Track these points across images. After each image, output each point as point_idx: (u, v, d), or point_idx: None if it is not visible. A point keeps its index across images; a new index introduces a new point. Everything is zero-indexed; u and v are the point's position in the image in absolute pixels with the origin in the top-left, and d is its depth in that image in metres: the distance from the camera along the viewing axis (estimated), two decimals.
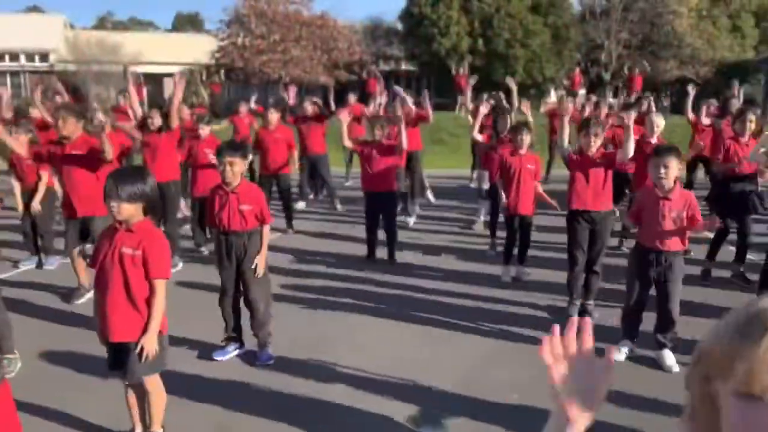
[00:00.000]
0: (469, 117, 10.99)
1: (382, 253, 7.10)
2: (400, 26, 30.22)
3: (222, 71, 18.93)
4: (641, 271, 4.36)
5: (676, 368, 4.23)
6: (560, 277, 5.66)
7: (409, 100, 9.52)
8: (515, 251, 6.35)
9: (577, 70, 23.37)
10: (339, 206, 9.79)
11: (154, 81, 33.93)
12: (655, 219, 4.24)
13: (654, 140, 6.17)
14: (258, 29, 23.89)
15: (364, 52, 27.16)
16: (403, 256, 7.17)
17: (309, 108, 9.48)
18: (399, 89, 11.79)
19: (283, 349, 4.65)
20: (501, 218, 6.81)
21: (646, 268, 4.31)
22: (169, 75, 32.87)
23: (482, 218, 8.51)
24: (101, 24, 49.26)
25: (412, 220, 8.90)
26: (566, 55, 26.91)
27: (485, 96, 10.40)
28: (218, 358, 4.52)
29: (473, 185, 11.23)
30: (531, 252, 6.51)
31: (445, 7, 26.03)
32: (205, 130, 7.34)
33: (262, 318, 4.48)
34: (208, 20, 60.06)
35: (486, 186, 7.83)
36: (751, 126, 5.98)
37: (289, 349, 4.68)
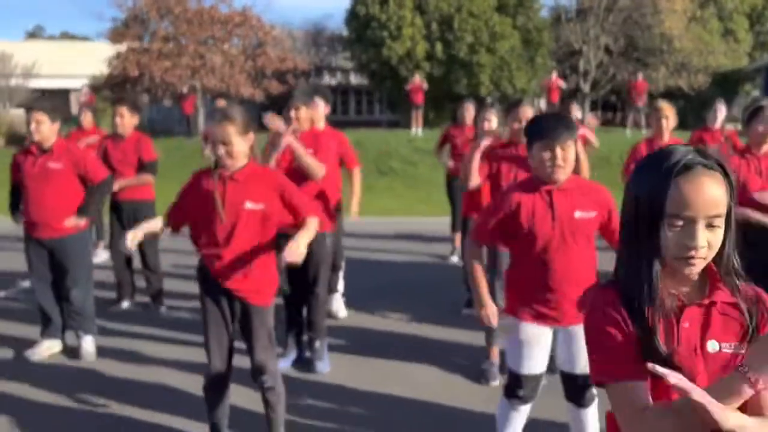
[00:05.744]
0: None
1: None
2: (345, 32, 25.98)
3: (85, 84, 14.14)
4: None
5: None
6: None
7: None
8: None
9: (554, 76, 19.09)
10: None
11: (59, 96, 28.95)
12: None
13: None
14: (163, 29, 19.09)
15: (301, 60, 22.62)
16: None
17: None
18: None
19: None
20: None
21: None
22: (73, 90, 28.03)
23: (496, 364, 3.81)
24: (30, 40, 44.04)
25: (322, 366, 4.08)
26: (539, 63, 22.98)
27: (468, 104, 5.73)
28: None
29: (455, 258, 6.58)
30: None
31: (396, 5, 21.89)
32: None
33: None
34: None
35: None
36: None
37: None
